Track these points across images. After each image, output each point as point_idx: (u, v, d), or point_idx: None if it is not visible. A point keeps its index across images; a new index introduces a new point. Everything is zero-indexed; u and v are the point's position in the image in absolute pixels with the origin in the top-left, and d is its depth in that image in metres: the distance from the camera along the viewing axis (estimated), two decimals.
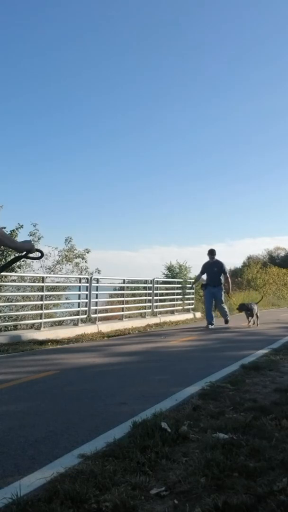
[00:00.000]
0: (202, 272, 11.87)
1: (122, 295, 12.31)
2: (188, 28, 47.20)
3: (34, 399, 4.24)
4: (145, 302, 13.32)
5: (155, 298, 13.40)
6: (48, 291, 10.65)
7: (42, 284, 9.87)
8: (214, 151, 59.72)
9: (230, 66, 50.20)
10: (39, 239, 13.67)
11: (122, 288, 12.39)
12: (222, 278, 11.39)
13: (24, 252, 2.59)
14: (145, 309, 13.10)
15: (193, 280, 16.42)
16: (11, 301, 10.97)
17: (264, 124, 57.94)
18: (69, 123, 49.22)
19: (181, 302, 14.92)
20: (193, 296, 15.67)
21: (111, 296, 14.61)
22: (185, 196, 61.35)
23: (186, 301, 15.17)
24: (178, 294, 14.89)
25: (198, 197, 61.61)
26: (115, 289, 13.88)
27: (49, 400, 4.19)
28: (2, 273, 11.81)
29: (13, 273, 12.11)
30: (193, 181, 60.95)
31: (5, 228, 12.88)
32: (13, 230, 12.90)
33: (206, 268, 11.61)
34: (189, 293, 15.43)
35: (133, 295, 13.34)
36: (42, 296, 9.80)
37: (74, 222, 47.90)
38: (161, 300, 14.08)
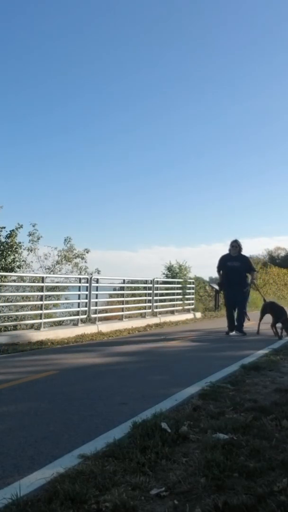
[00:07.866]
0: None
1: (122, 295, 12.30)
2: (189, 24, 47.12)
3: (34, 399, 4.23)
4: (145, 302, 13.31)
5: (155, 298, 13.39)
6: (48, 291, 10.65)
7: (42, 284, 9.86)
8: (213, 150, 59.75)
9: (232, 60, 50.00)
10: (38, 239, 13.64)
11: (122, 288, 12.38)
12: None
13: None
14: (145, 309, 13.09)
15: (193, 280, 16.42)
16: (11, 301, 10.96)
17: (264, 122, 57.96)
18: (68, 121, 49.23)
19: (181, 302, 14.91)
20: (193, 296, 15.67)
21: (111, 296, 14.59)
22: (183, 196, 61.46)
23: (186, 301, 15.16)
24: (178, 294, 14.88)
25: (196, 197, 61.77)
26: (115, 289, 13.87)
27: (49, 400, 4.19)
28: (2, 273, 11.83)
29: (12, 273, 12.10)
30: (191, 180, 61.05)
31: (4, 228, 12.88)
32: (13, 230, 12.88)
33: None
34: (189, 293, 15.43)
35: (133, 295, 13.33)
36: (41, 296, 9.80)
37: (73, 222, 48.00)
38: (161, 300, 14.07)
